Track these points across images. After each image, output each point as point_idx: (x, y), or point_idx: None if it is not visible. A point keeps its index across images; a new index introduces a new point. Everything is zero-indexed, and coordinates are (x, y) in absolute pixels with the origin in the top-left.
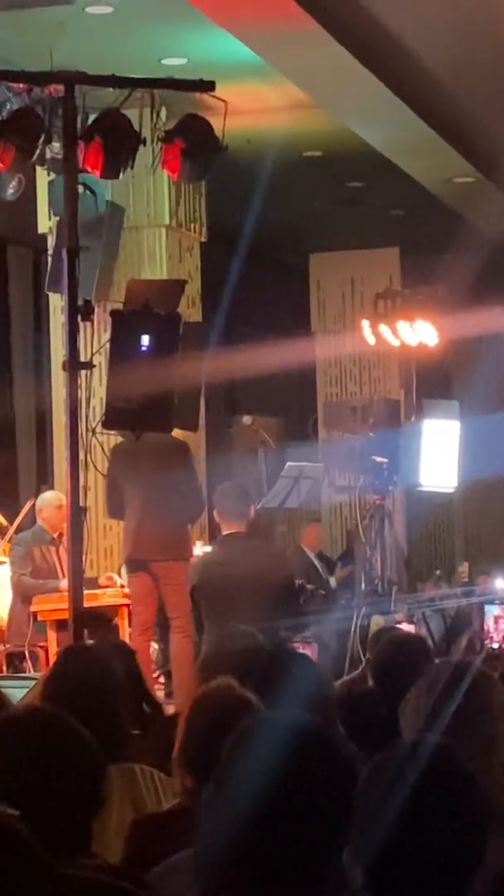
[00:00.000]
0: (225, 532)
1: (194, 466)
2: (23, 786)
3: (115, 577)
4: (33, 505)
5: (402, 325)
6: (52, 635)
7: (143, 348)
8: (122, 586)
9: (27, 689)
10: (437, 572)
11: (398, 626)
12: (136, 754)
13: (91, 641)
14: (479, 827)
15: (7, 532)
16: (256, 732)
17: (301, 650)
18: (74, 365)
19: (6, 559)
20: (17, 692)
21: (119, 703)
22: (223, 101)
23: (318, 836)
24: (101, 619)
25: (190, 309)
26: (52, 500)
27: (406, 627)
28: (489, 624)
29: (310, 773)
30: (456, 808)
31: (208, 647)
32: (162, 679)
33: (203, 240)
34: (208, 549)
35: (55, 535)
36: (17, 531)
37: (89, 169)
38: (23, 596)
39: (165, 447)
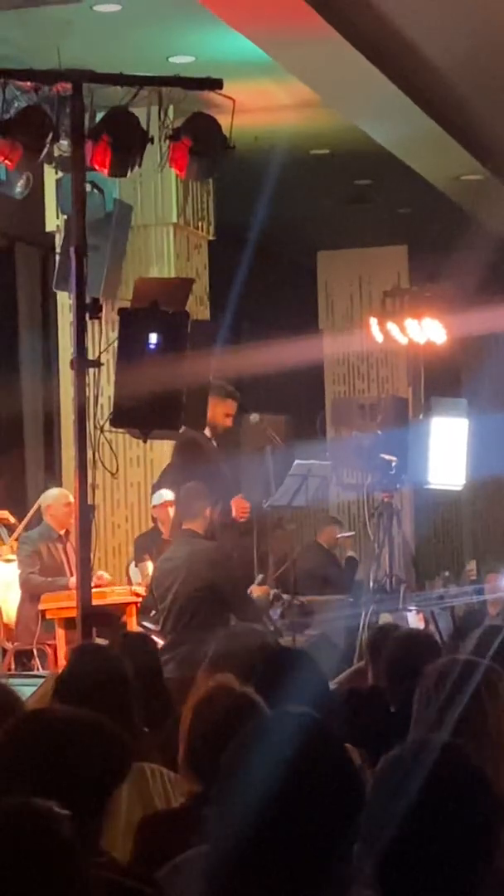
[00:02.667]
0: (182, 528)
1: (194, 461)
2: (38, 784)
3: (104, 574)
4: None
5: (411, 323)
6: (60, 633)
7: (151, 346)
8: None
9: (35, 688)
10: (446, 573)
11: (411, 622)
12: (147, 752)
13: (112, 635)
14: (490, 823)
15: (16, 530)
16: (261, 731)
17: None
18: (82, 363)
19: (14, 557)
20: (26, 690)
21: (131, 702)
22: (231, 99)
23: (327, 833)
24: (109, 618)
25: (198, 307)
26: (57, 498)
27: (417, 623)
28: None
29: (316, 769)
30: (466, 805)
31: (216, 645)
32: None
33: (211, 238)
34: None
35: (61, 533)
36: (25, 530)
37: (97, 167)
38: (31, 594)
39: (178, 442)
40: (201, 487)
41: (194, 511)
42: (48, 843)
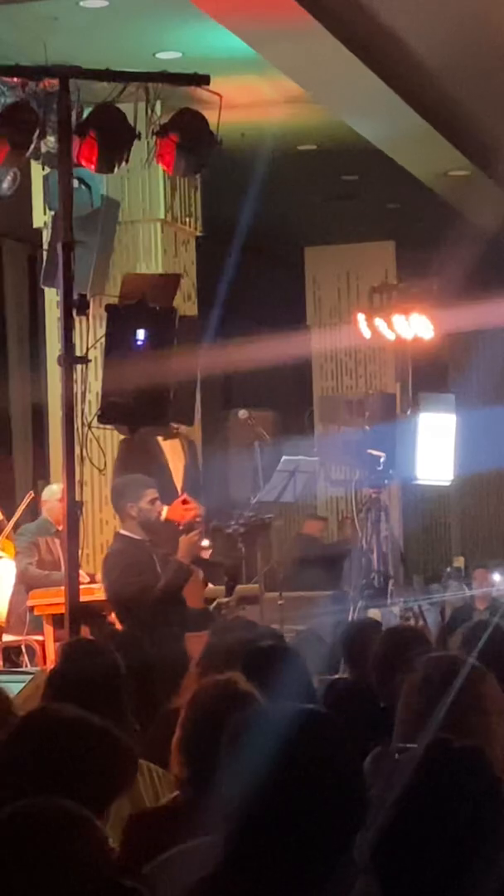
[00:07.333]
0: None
1: (158, 462)
2: (41, 784)
3: None
4: (32, 499)
5: (398, 319)
6: (48, 629)
7: (139, 342)
8: None
9: (24, 684)
10: (449, 570)
11: (402, 619)
12: (138, 749)
13: (100, 631)
14: (485, 804)
15: (5, 528)
16: (256, 723)
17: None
18: (70, 359)
19: (4, 554)
20: (14, 686)
21: (122, 698)
22: (218, 94)
23: (329, 824)
24: (96, 614)
25: (185, 303)
26: (53, 493)
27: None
28: None
29: (312, 759)
30: (458, 788)
31: (210, 639)
32: None
33: (198, 234)
34: None
35: (59, 528)
36: (18, 525)
37: (84, 163)
38: (27, 586)
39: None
40: (122, 484)
41: (119, 511)
42: (79, 843)
